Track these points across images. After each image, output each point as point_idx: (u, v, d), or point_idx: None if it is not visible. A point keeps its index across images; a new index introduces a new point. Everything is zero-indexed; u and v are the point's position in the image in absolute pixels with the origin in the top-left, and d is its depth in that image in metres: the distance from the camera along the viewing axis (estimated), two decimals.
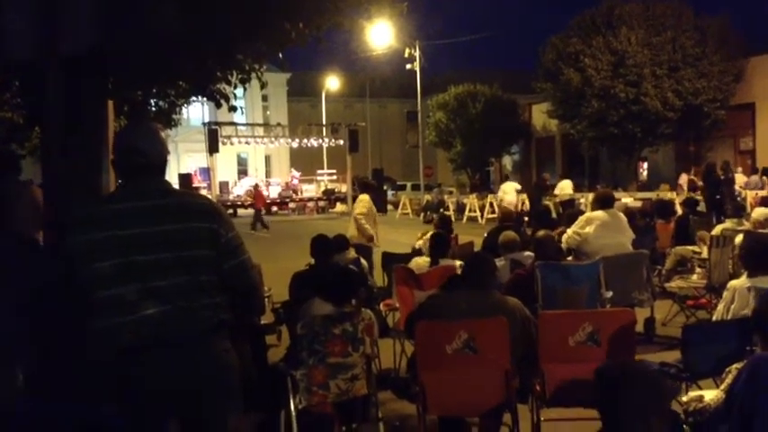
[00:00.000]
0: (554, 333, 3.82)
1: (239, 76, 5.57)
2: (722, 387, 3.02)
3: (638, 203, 19.04)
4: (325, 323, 4.11)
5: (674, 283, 7.98)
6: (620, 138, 26.21)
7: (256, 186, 31.33)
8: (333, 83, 47.92)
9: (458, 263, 5.74)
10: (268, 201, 35.75)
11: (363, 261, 7.40)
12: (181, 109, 17.48)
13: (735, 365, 2.99)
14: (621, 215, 7.37)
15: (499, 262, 6.48)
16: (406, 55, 35.61)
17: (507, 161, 41.23)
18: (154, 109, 15.37)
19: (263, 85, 5.58)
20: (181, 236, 2.46)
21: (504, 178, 25.79)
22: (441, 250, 6.05)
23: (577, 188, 22.51)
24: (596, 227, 7.06)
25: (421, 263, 6.06)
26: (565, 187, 21.12)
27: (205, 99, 7.33)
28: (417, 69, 34.97)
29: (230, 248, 2.56)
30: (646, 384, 2.11)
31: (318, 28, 4.47)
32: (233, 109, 6.59)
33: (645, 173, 31.59)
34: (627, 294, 6.69)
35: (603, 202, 7.19)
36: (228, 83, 5.61)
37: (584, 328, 3.80)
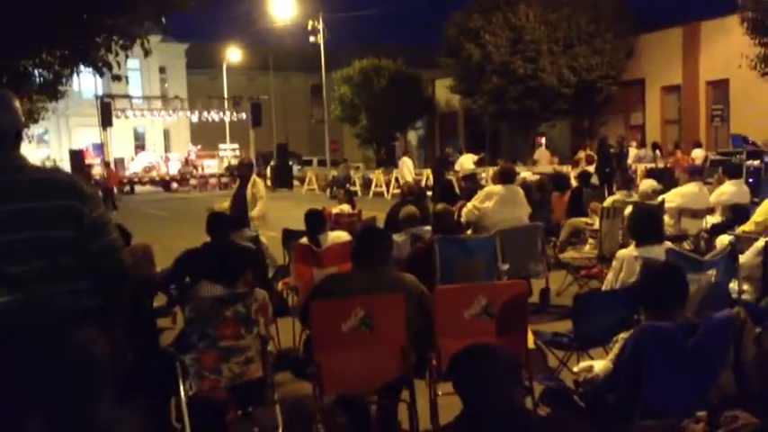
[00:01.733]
0: (449, 307, 3.80)
1: (120, 43, 5.25)
2: (610, 357, 3.07)
3: (536, 177, 19.63)
4: (215, 305, 3.94)
5: (568, 254, 8.23)
6: (520, 113, 26.85)
7: (108, 164, 29.95)
8: (234, 55, 46.61)
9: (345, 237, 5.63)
10: (167, 177, 34.60)
11: (263, 239, 7.22)
12: (67, 80, 16.54)
13: (621, 335, 3.05)
14: (519, 190, 7.51)
15: (399, 237, 6.45)
16: (309, 27, 35.12)
17: (412, 136, 41.55)
18: (38, 80, 14.46)
19: (146, 53, 5.26)
20: (37, 215, 2.24)
21: (402, 154, 26.04)
22: (316, 227, 5.88)
23: (479, 163, 22.91)
24: (495, 201, 7.17)
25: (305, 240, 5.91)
26: (465, 162, 21.49)
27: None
28: (321, 43, 34.56)
29: (96, 228, 2.36)
30: (489, 358, 2.11)
31: None
32: (117, 78, 6.23)
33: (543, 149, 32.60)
34: (523, 266, 6.83)
35: (505, 177, 7.31)
36: (109, 50, 5.28)
37: (478, 301, 3.80)
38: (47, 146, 44.52)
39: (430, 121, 39.82)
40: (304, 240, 5.93)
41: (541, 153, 23.34)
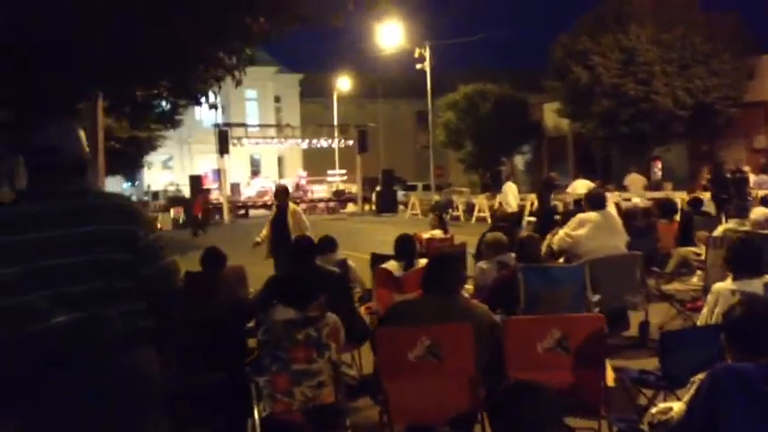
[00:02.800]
0: (521, 339, 3.67)
1: (216, 74, 5.54)
2: (685, 399, 2.86)
3: (649, 203, 18.76)
4: (287, 328, 3.99)
5: (671, 286, 7.77)
6: (631, 137, 25.91)
7: (200, 190, 30.74)
8: (344, 83, 47.82)
9: None
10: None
11: (351, 263, 7.27)
12: (184, 110, 17.61)
13: (699, 376, 2.82)
14: (615, 216, 7.19)
15: (485, 264, 6.33)
16: (417, 55, 35.53)
17: (519, 161, 40.92)
18: (157, 110, 15.50)
19: (237, 83, 5.50)
20: (96, 238, 2.33)
21: (506, 179, 25.58)
22: (407, 252, 5.84)
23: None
24: (589, 228, 6.88)
25: (395, 266, 5.89)
26: (579, 187, 20.78)
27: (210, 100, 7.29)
28: (427, 69, 34.85)
29: (150, 252, 2.44)
30: (532, 399, 1.98)
31: (282, 23, 4.38)
32: (213, 107, 6.59)
33: (659, 173, 31.21)
34: (619, 297, 6.52)
35: (595, 203, 7.00)
36: (204, 81, 5.57)
37: (552, 334, 3.64)
38: (171, 171, 47.24)
39: (537, 146, 39.10)
40: (390, 265, 5.93)
41: (632, 179, 22.26)
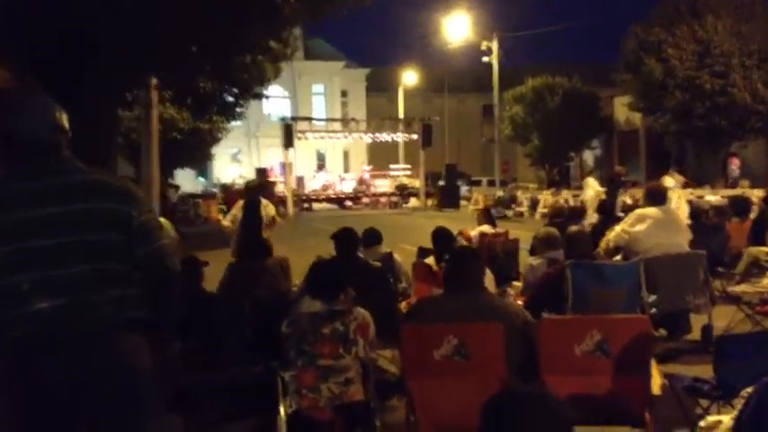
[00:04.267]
0: (558, 341, 3.41)
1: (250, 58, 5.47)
2: (734, 413, 2.56)
3: (725, 201, 17.84)
4: (312, 321, 3.84)
5: (739, 287, 7.28)
6: (707, 132, 24.77)
7: (226, 187, 30.84)
8: (410, 77, 47.62)
9: None
10: (342, 195, 35.88)
11: (397, 257, 7.10)
12: (245, 102, 17.77)
13: (749, 389, 2.53)
14: (677, 212, 6.76)
15: (535, 260, 6.05)
16: (483, 47, 35.01)
17: (588, 156, 39.84)
18: (218, 102, 15.69)
19: (275, 74, 5.40)
20: (85, 217, 2.20)
21: (587, 174, 24.78)
22: (440, 246, 5.55)
23: (684, 186, 21.20)
24: (648, 225, 6.47)
25: (431, 261, 5.67)
26: (666, 182, 19.78)
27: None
28: (494, 62, 34.30)
29: (144, 232, 2.29)
30: (535, 414, 1.72)
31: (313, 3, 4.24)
32: (257, 97, 6.54)
33: (736, 170, 29.78)
34: (680, 298, 6.12)
35: (655, 198, 6.58)
36: (246, 69, 5.50)
37: (591, 336, 3.37)
38: (239, 164, 48.10)
39: (607, 141, 37.95)
40: (430, 259, 5.73)
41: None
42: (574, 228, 5.58)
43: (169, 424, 2.39)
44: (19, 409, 2.16)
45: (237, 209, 8.67)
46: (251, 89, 6.95)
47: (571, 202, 21.61)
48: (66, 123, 2.34)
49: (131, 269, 2.28)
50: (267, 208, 8.58)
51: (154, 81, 7.84)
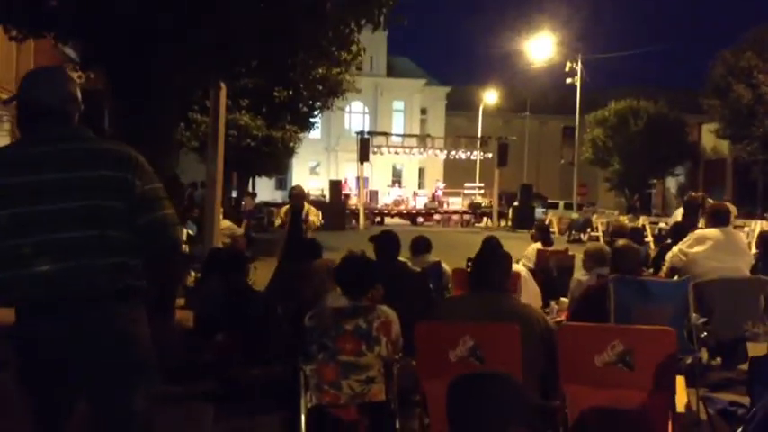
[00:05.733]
0: (577, 350, 3.29)
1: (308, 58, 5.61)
2: None
3: None
4: (335, 316, 3.85)
5: None
6: None
7: (247, 193, 30.38)
8: (491, 97, 47.39)
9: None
10: (414, 211, 35.91)
11: (446, 266, 7.05)
12: (320, 113, 18.10)
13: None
14: (740, 235, 6.44)
15: (584, 276, 5.92)
16: (567, 69, 34.50)
17: (671, 183, 38.47)
18: (291, 110, 16.05)
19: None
20: (89, 184, 2.27)
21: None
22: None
23: (749, 215, 20.32)
24: (708, 246, 6.19)
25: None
26: None
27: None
28: (578, 84, 33.71)
29: (146, 201, 2.35)
30: (497, 394, 1.67)
31: None
32: (327, 108, 6.69)
33: None
34: (736, 325, 5.81)
35: (718, 219, 6.29)
36: (322, 81, 5.63)
37: (613, 347, 3.24)
38: (317, 177, 49.01)
39: (692, 169, 36.55)
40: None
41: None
42: (621, 242, 5.39)
43: (161, 395, 2.43)
44: (24, 364, 2.26)
45: (285, 212, 9.27)
46: (326, 101, 7.11)
47: (648, 230, 20.89)
48: (79, 95, 2.45)
49: (134, 237, 2.33)
50: (309, 211, 9.14)
51: (222, 84, 8.11)
